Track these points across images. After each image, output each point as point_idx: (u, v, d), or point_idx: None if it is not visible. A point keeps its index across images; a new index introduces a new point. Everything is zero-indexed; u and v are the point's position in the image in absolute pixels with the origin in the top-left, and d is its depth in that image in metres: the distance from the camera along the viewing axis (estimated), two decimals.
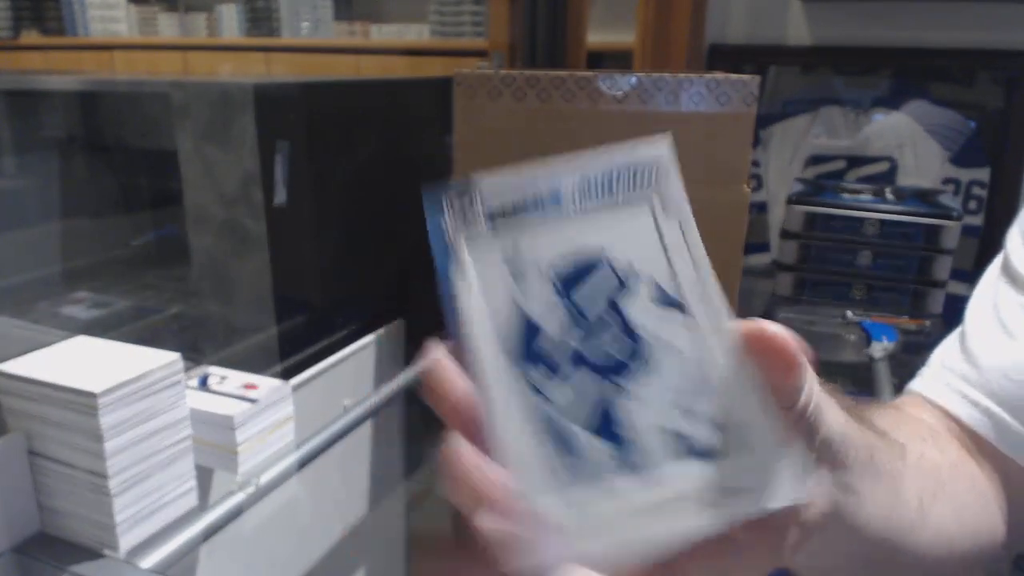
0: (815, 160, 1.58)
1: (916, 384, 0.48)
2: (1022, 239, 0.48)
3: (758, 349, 0.24)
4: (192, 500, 0.64)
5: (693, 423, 0.24)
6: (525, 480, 0.22)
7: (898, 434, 0.36)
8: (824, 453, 0.28)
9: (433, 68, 2.74)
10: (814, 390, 0.26)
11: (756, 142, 1.60)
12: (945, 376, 0.46)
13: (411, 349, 1.06)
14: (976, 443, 0.43)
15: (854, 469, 0.30)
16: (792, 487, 0.23)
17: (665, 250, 0.25)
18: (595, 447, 0.23)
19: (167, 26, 3.47)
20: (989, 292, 0.48)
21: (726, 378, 0.24)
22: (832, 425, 0.28)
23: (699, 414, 0.24)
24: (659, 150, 0.26)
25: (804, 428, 0.26)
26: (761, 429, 0.23)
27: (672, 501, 0.23)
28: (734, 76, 0.85)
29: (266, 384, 0.73)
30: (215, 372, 0.75)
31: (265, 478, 0.74)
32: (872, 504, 0.31)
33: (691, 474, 0.23)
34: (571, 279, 0.25)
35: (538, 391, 0.24)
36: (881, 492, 0.32)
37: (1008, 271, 0.47)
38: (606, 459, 0.23)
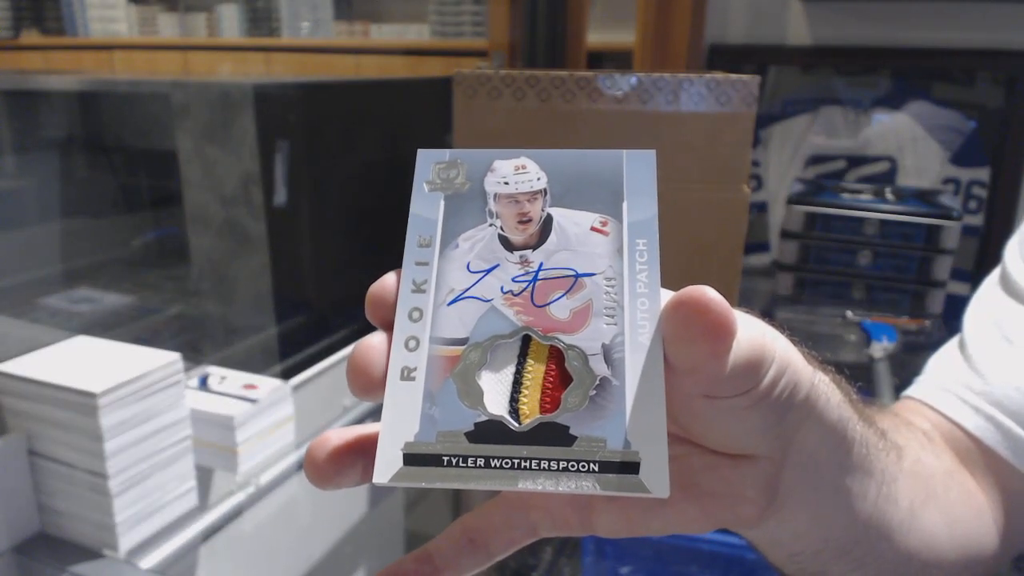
0: (815, 160, 1.58)
1: (914, 390, 0.48)
2: (1021, 253, 0.47)
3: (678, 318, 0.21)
4: (192, 500, 0.64)
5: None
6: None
7: (896, 437, 0.35)
8: (817, 445, 0.27)
9: (433, 68, 2.74)
10: (796, 374, 0.24)
11: (756, 142, 1.60)
12: (946, 383, 0.45)
13: None
14: (979, 451, 0.43)
15: (848, 463, 0.29)
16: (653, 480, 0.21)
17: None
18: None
19: (167, 26, 3.47)
20: (988, 305, 0.48)
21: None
22: (828, 416, 0.27)
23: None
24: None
25: (776, 411, 0.24)
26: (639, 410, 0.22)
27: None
28: (734, 76, 0.85)
29: (266, 384, 0.73)
30: (215, 372, 0.75)
31: (265, 478, 0.74)
32: (862, 500, 0.31)
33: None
34: None
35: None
36: (873, 489, 0.31)
37: (1007, 285, 0.47)
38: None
